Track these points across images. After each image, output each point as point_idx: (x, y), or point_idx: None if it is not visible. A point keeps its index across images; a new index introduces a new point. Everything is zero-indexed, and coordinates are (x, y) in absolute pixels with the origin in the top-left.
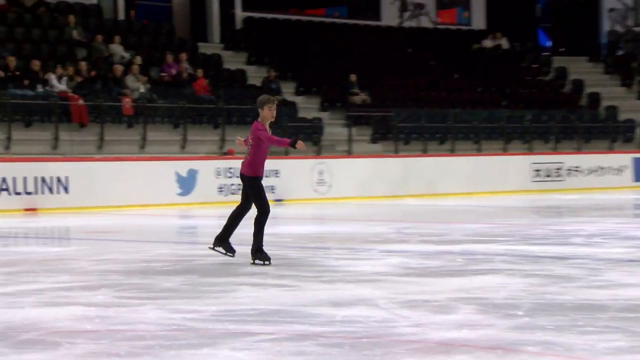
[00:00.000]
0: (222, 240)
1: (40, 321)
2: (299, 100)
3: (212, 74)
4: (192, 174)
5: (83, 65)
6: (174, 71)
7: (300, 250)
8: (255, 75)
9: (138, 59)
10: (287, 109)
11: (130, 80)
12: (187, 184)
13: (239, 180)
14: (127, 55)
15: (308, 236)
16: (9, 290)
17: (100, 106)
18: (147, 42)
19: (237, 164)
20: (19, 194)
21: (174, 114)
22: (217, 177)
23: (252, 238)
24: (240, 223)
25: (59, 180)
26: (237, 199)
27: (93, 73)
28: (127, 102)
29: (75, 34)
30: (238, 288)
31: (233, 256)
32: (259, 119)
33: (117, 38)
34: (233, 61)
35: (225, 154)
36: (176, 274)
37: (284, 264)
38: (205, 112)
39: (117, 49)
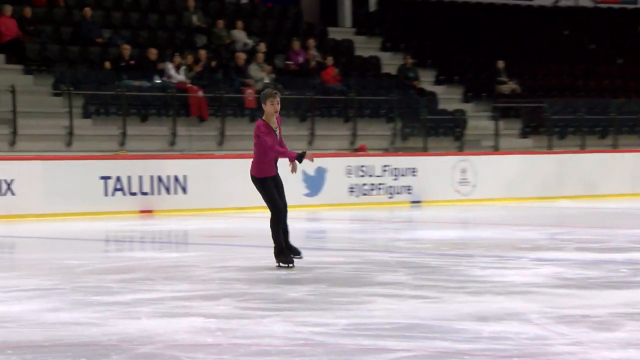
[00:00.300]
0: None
1: (158, 333)
2: (439, 90)
3: (343, 61)
4: (321, 172)
5: (203, 53)
6: (301, 59)
7: (440, 257)
8: (391, 63)
9: (262, 46)
10: (425, 100)
11: (253, 70)
12: (315, 183)
13: (372, 180)
14: (250, 42)
15: (449, 242)
16: (124, 299)
17: (221, 98)
18: (272, 28)
19: (370, 161)
20: (134, 194)
21: (301, 107)
22: (347, 176)
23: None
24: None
25: (176, 179)
26: (370, 199)
27: (213, 63)
28: (250, 94)
29: (194, 19)
30: (372, 299)
31: (301, 257)
32: (263, 117)
33: (239, 23)
34: (366, 47)
35: (357, 150)
36: (303, 283)
37: (422, 273)
38: (335, 104)
39: (240, 35)
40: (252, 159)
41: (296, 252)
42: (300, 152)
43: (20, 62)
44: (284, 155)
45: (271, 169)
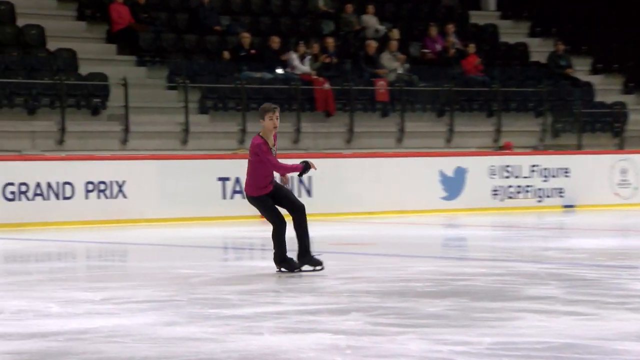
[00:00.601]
0: (304, 256)
1: (281, 350)
2: (595, 80)
3: (486, 49)
4: (460, 173)
5: (330, 41)
6: (439, 47)
7: (598, 269)
8: (540, 50)
9: (395, 33)
10: (580, 92)
11: (385, 59)
12: (453, 185)
13: (518, 181)
14: (382, 28)
15: (608, 252)
16: (245, 313)
17: (349, 91)
18: (407, 12)
19: (517, 160)
20: None
21: (438, 100)
22: (491, 177)
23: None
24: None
25: (300, 181)
26: (516, 203)
27: (335, 59)
28: (381, 86)
29: (321, 3)
30: (519, 315)
31: (322, 268)
32: (261, 132)
33: (370, 8)
34: (512, 33)
35: (502, 148)
36: (442, 297)
37: (577, 286)
38: (476, 96)
39: (371, 20)
40: (248, 177)
41: (294, 267)
42: (304, 163)
43: (132, 52)
44: (291, 170)
45: (268, 186)
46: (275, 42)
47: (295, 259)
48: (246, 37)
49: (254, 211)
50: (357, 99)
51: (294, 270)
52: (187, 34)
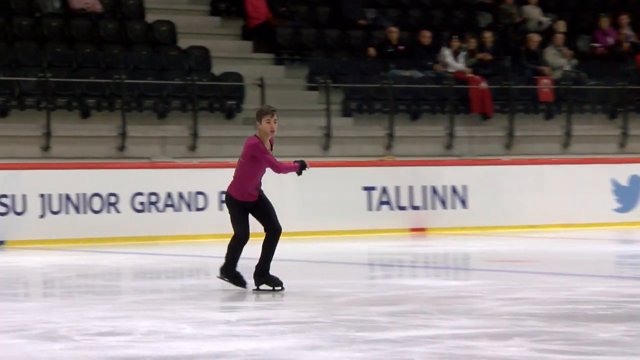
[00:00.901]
0: (263, 275)
1: None
2: None
3: None
4: (636, 182)
5: (487, 35)
6: (610, 40)
7: None
8: None
9: (561, 25)
10: None
11: (550, 55)
12: (628, 195)
13: None
14: (546, 20)
15: None
16: (394, 336)
17: (509, 90)
18: (574, 2)
19: None
20: (402, 208)
21: (610, 100)
22: None
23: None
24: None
25: (454, 190)
26: None
27: (493, 55)
28: (545, 85)
29: None
30: None
31: (245, 288)
32: (257, 134)
33: None
34: None
35: None
36: (617, 321)
37: None
38: None
39: (534, 11)
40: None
41: (242, 283)
42: (300, 162)
43: (270, 50)
44: (290, 170)
45: (253, 193)
46: (426, 37)
47: (255, 276)
48: (394, 32)
49: (403, 224)
50: (517, 99)
51: (275, 288)
52: (328, 29)
